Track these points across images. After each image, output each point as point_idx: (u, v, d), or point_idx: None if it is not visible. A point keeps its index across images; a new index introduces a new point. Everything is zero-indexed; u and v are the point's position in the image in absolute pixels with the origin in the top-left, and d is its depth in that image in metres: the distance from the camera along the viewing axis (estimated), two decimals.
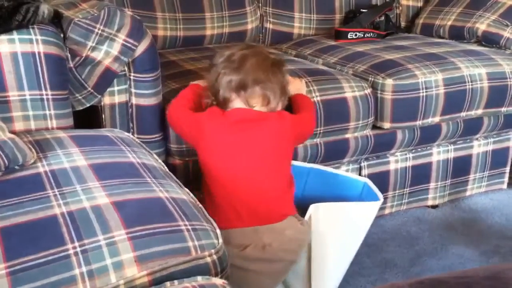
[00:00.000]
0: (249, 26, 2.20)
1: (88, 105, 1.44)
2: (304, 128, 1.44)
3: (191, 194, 1.08)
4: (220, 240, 0.94)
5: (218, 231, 0.96)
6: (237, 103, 1.33)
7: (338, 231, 1.41)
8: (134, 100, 1.48)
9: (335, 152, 1.75)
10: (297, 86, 1.53)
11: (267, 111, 1.34)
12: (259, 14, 2.26)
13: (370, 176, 1.87)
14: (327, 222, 1.38)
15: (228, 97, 1.33)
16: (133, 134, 1.50)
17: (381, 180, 1.89)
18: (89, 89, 1.41)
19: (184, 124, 1.39)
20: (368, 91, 1.73)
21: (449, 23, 2.28)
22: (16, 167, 1.04)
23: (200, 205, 1.05)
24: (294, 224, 1.33)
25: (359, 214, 1.43)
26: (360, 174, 1.85)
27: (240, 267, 1.24)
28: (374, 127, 1.80)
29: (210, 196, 1.35)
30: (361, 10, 2.30)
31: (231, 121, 1.33)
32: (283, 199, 1.36)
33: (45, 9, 1.29)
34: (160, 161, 1.22)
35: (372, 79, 1.80)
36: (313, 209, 1.36)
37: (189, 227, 0.93)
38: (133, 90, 1.47)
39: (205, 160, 1.35)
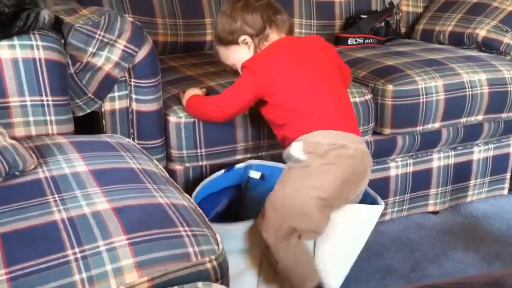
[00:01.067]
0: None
1: (88, 111, 1.44)
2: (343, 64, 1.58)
3: (192, 200, 1.08)
4: (221, 246, 0.94)
5: (218, 236, 0.96)
6: (273, 36, 1.48)
7: (342, 232, 1.41)
8: (134, 106, 1.49)
9: None
10: None
11: None
12: None
13: (371, 182, 1.86)
14: (332, 223, 1.37)
15: (266, 33, 1.48)
16: (133, 139, 1.50)
17: (381, 186, 1.89)
18: (90, 95, 1.42)
19: (248, 104, 1.46)
20: (368, 97, 1.74)
21: (449, 29, 2.28)
22: (17, 173, 1.04)
23: (200, 211, 1.05)
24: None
25: (362, 217, 1.43)
26: None
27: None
28: (375, 132, 1.80)
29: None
30: (361, 16, 2.31)
31: (288, 51, 1.44)
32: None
33: (45, 15, 1.30)
34: (160, 166, 1.22)
35: (373, 85, 1.80)
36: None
37: (189, 233, 0.93)
38: (133, 96, 1.48)
39: (288, 97, 1.39)
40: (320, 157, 1.32)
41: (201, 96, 1.53)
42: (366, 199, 1.48)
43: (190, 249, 0.90)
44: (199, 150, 1.57)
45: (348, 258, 1.48)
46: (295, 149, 1.35)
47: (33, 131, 1.30)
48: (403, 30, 2.53)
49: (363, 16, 2.30)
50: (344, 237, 1.43)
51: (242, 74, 1.45)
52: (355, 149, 1.36)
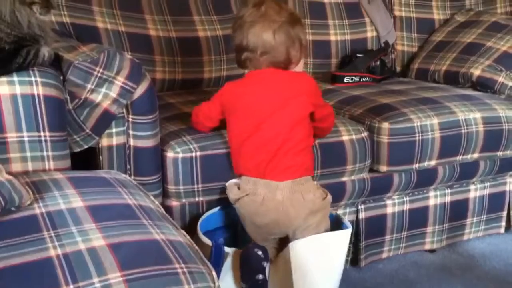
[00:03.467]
0: (247, 69, 2.22)
1: (86, 146, 1.44)
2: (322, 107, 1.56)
3: (188, 236, 1.08)
4: (217, 283, 0.93)
5: (214, 273, 0.95)
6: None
7: (319, 263, 1.43)
8: (132, 142, 1.49)
9: (332, 195, 1.75)
10: None
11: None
12: None
13: (368, 220, 1.86)
14: (307, 256, 1.40)
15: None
16: (130, 175, 1.50)
17: (378, 223, 1.88)
18: (87, 130, 1.42)
19: (216, 115, 1.57)
20: (364, 134, 1.75)
21: (444, 68, 2.31)
22: (13, 208, 1.04)
23: (197, 248, 1.05)
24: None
25: (335, 243, 1.46)
26: (357, 218, 1.85)
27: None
28: (371, 170, 1.81)
29: None
30: (357, 55, 2.34)
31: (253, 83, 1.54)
32: None
33: (45, 52, 1.31)
34: (157, 202, 1.22)
35: (369, 122, 1.81)
36: (293, 246, 1.40)
37: (185, 270, 0.92)
38: (131, 132, 1.48)
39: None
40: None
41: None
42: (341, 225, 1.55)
43: (186, 287, 0.89)
44: (196, 186, 1.57)
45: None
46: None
47: (30, 166, 1.30)
48: (398, 68, 2.57)
49: (359, 55, 2.33)
50: (321, 266, 1.44)
51: None
52: (260, 194, 1.44)
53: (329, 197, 1.48)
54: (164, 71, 2.07)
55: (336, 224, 1.55)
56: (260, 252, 1.42)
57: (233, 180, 1.53)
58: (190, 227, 1.56)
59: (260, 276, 1.41)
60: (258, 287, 1.40)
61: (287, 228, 1.46)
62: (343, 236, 1.47)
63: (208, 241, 1.45)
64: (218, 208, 1.60)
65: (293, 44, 1.46)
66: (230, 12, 2.22)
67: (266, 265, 1.43)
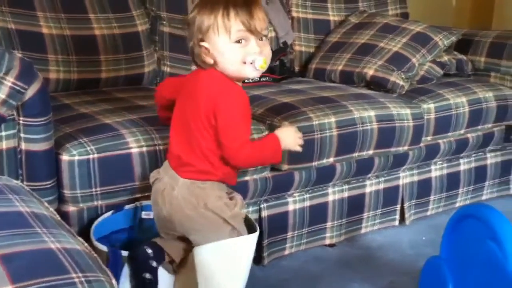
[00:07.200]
0: (146, 70, 2.19)
1: None
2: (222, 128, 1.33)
3: (86, 244, 1.03)
4: None
5: (114, 281, 0.92)
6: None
7: (224, 268, 1.40)
8: (23, 146, 1.41)
9: None
10: (286, 137, 1.43)
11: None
12: (156, 57, 2.25)
13: (270, 217, 1.88)
14: (213, 260, 1.37)
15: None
16: (22, 181, 1.42)
17: (280, 221, 1.91)
18: None
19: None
20: (265, 133, 1.76)
21: (340, 68, 2.38)
22: None
23: (95, 255, 1.01)
24: None
25: (241, 248, 1.42)
26: (259, 216, 1.86)
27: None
28: (273, 169, 1.83)
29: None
30: None
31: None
32: None
33: None
34: (51, 209, 1.16)
35: (269, 122, 1.84)
36: (197, 251, 1.36)
37: (83, 279, 0.88)
38: (22, 135, 1.40)
39: None
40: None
41: None
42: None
43: None
44: (94, 189, 1.52)
45: None
46: None
47: None
48: (297, 68, 2.62)
49: None
50: (228, 271, 1.41)
51: None
52: (164, 183, 1.39)
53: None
54: (58, 70, 1.99)
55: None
56: (150, 251, 1.39)
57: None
58: (89, 233, 1.50)
59: (147, 275, 1.38)
60: (144, 286, 1.37)
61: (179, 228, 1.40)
62: (250, 240, 1.42)
63: (103, 247, 1.41)
64: (111, 212, 1.56)
65: None
66: (127, 11, 2.17)
67: (157, 265, 1.39)
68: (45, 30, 1.98)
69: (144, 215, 1.59)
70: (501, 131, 2.44)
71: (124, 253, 1.41)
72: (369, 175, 2.09)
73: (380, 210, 2.17)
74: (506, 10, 3.59)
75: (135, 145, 1.56)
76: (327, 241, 2.06)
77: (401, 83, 2.23)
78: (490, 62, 2.52)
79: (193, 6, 1.38)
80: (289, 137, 1.42)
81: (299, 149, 1.46)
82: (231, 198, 1.41)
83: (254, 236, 1.42)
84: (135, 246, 1.45)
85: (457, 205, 2.39)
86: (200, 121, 1.32)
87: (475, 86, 2.34)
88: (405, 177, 2.21)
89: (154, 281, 1.38)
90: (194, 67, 1.46)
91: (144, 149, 1.57)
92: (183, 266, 1.46)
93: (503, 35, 2.53)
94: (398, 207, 2.22)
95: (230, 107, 1.31)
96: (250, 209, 1.84)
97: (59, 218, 1.13)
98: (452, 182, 2.35)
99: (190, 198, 1.35)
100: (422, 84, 2.33)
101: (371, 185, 2.12)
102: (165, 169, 1.41)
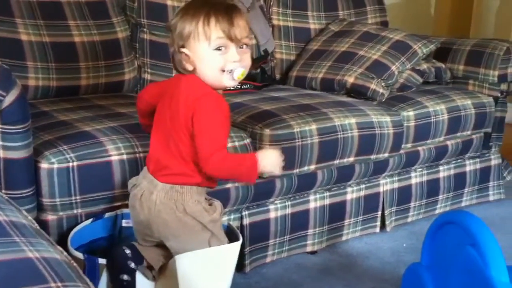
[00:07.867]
0: (127, 77, 2.17)
1: None
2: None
3: (65, 253, 1.02)
4: None
5: None
6: None
7: (207, 277, 1.40)
8: (1, 153, 1.39)
9: None
10: (267, 159, 1.39)
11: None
12: (136, 64, 2.24)
13: (252, 225, 1.88)
14: (195, 271, 1.36)
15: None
16: (0, 189, 1.40)
17: (262, 228, 1.91)
18: None
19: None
20: (247, 141, 1.76)
21: (321, 75, 2.40)
22: None
23: (75, 264, 0.99)
24: None
25: (223, 257, 1.41)
26: (241, 223, 1.86)
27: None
28: None
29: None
30: None
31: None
32: None
33: None
34: (30, 218, 1.14)
35: (251, 129, 1.84)
36: (179, 260, 1.35)
37: None
38: (0, 143, 1.38)
39: None
40: None
41: None
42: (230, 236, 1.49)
43: None
44: (73, 198, 1.50)
45: None
46: None
47: None
48: (278, 76, 2.62)
49: None
50: (211, 280, 1.40)
51: None
52: (142, 188, 1.38)
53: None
54: (37, 77, 1.97)
55: (227, 234, 1.48)
56: (128, 251, 1.38)
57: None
58: (68, 242, 1.49)
59: (125, 277, 1.36)
60: None
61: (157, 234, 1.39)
62: (233, 249, 1.41)
63: (80, 255, 1.39)
64: (90, 220, 1.54)
65: None
66: (107, 18, 2.16)
67: (136, 266, 1.38)
68: (24, 37, 1.96)
69: (124, 223, 1.58)
70: (480, 138, 2.47)
71: (102, 260, 1.39)
72: (350, 182, 2.10)
73: (361, 217, 2.17)
74: (484, 19, 3.64)
75: (115, 152, 1.55)
76: (309, 248, 2.06)
77: (381, 90, 2.25)
78: (469, 70, 2.55)
79: (176, 12, 1.38)
80: (270, 159, 1.39)
81: (278, 172, 1.43)
82: (210, 204, 1.40)
83: (237, 245, 1.41)
84: (113, 248, 1.44)
85: (437, 211, 2.41)
86: (179, 125, 1.32)
87: (453, 94, 2.37)
88: (386, 184, 2.22)
89: (132, 283, 1.36)
90: (175, 74, 1.45)
91: (125, 156, 1.56)
92: (163, 273, 1.44)
93: (481, 44, 2.57)
94: (379, 214, 2.23)
95: (208, 112, 1.31)
96: (232, 216, 1.84)
97: (38, 227, 1.11)
98: (432, 189, 2.37)
99: (168, 202, 1.34)
100: (401, 92, 2.35)
101: (352, 192, 2.12)
102: (143, 175, 1.41)
